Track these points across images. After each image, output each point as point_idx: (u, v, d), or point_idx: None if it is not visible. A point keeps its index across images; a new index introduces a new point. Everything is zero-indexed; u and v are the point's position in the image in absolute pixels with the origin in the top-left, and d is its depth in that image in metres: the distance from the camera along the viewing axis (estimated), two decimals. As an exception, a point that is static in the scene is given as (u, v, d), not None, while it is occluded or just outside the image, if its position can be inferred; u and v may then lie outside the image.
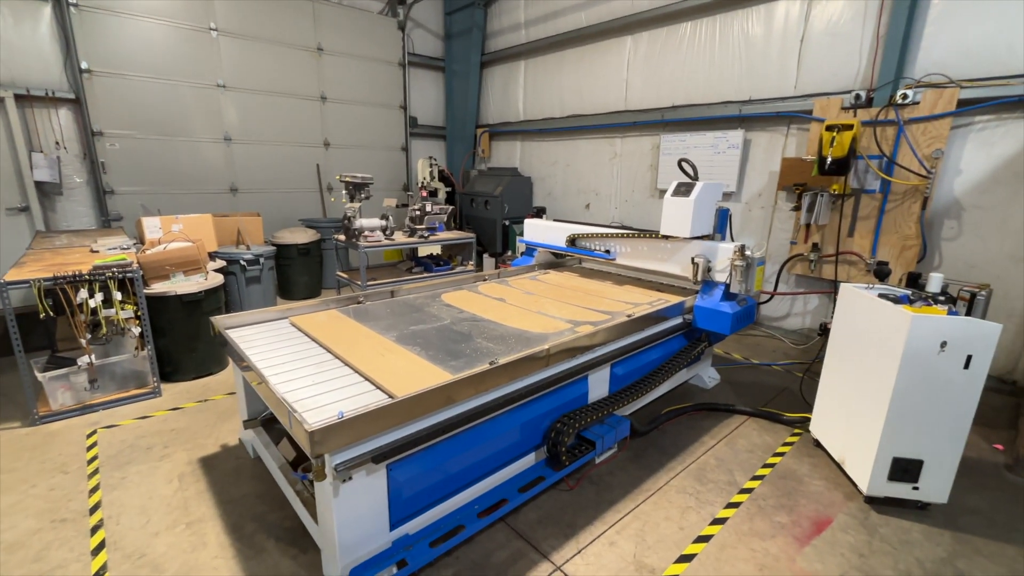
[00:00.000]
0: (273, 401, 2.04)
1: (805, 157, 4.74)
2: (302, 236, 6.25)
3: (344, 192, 4.80)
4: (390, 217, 5.09)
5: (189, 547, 2.31)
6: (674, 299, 3.54)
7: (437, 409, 2.07)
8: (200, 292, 3.89)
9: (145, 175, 6.15)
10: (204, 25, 6.26)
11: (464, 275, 4.33)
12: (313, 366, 2.40)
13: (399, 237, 5.20)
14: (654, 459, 3.07)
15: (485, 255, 7.64)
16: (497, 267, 7.44)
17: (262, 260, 5.26)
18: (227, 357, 4.34)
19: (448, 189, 8.17)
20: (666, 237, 3.57)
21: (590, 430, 2.81)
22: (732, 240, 3.61)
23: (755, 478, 2.92)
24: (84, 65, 5.54)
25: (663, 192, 3.80)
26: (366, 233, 4.85)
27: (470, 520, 2.27)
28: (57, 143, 5.64)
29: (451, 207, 5.89)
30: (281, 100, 7.06)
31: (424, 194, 5.58)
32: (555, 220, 4.75)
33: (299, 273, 6.32)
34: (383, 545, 2.05)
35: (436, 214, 5.51)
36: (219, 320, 2.82)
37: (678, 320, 3.47)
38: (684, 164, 3.70)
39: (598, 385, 2.98)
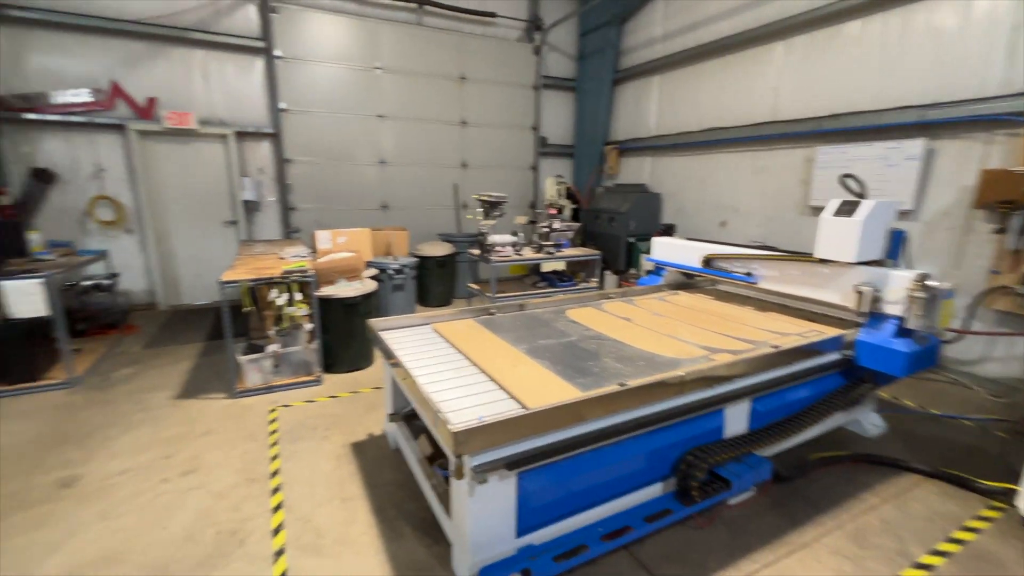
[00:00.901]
0: (419, 399, 2.26)
1: (1015, 168, 3.89)
2: (439, 249, 6.81)
3: (479, 210, 5.15)
4: (520, 233, 5.32)
5: (343, 521, 2.64)
6: (830, 331, 3.14)
7: (567, 425, 2.11)
8: (358, 297, 4.46)
9: (318, 194, 7.27)
10: (371, 65, 7.23)
11: (588, 292, 4.34)
12: (453, 370, 2.60)
13: (527, 253, 5.40)
14: (799, 510, 2.74)
15: (607, 272, 7.55)
16: (620, 285, 7.30)
17: (406, 270, 5.86)
18: (377, 355, 4.90)
19: (574, 206, 8.27)
20: (824, 261, 3.19)
21: (725, 467, 2.61)
22: (909, 266, 3.10)
23: (936, 553, 2.44)
24: (283, 105, 6.76)
25: (816, 209, 3.41)
26: (498, 248, 5.13)
27: (593, 541, 2.25)
28: (259, 169, 6.94)
29: (578, 224, 5.96)
30: (427, 126, 7.83)
31: (552, 211, 5.73)
32: (688, 239, 4.53)
33: (435, 283, 6.89)
34: (509, 551, 2.13)
35: (563, 231, 5.61)
36: (374, 323, 3.21)
37: (835, 356, 3.06)
38: (849, 180, 3.28)
39: (736, 420, 2.75)
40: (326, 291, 4.40)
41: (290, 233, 7.20)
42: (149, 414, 3.80)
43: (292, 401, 4.05)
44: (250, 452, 3.29)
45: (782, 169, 6.10)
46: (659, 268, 4.64)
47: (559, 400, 2.07)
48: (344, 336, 4.54)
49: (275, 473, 3.05)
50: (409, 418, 3.22)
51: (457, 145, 8.14)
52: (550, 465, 2.15)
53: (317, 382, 4.35)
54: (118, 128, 6.12)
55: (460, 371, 2.59)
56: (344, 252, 4.82)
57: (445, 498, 2.41)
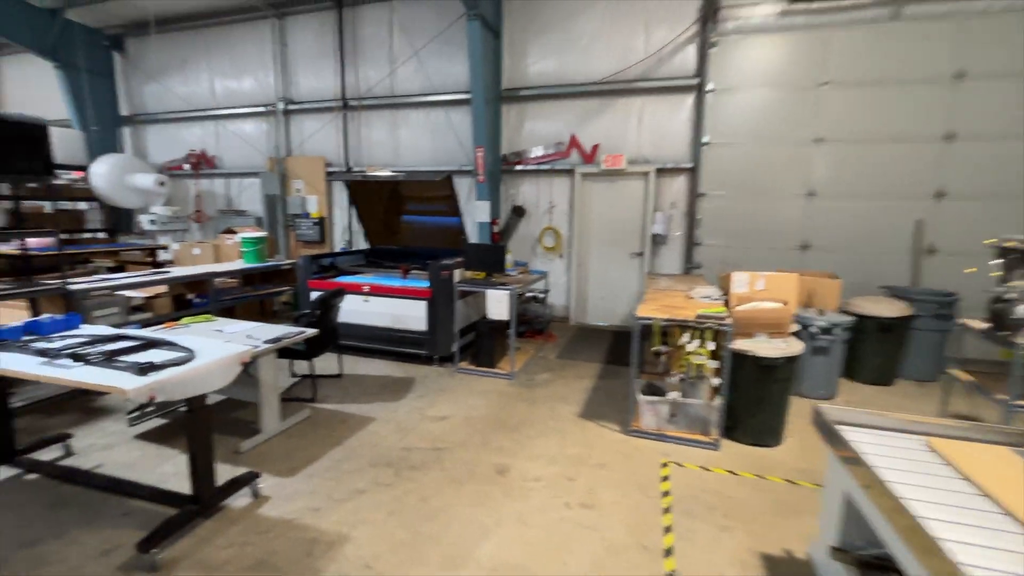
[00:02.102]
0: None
1: None
2: (887, 308, 5.02)
3: (997, 262, 3.33)
4: (1089, 307, 3.13)
5: None
6: None
7: None
8: (780, 358, 3.62)
9: (727, 230, 6.74)
10: (815, 82, 6.14)
11: None
12: (991, 533, 1.46)
13: (1098, 340, 3.12)
14: None
15: None
16: None
17: (836, 331, 4.53)
18: (789, 434, 3.93)
19: None
20: None
21: None
22: None
23: None
24: (706, 139, 6.59)
25: None
26: (1031, 325, 3.17)
27: None
28: (672, 204, 7.02)
29: None
30: (883, 147, 6.02)
31: None
32: None
33: (871, 351, 5.13)
34: None
35: None
36: (829, 412, 2.33)
37: None
38: None
39: None
40: (740, 345, 3.77)
41: (690, 268, 6.97)
42: (558, 424, 4.18)
43: (685, 460, 3.61)
44: (642, 508, 3.02)
45: None
46: None
47: None
48: (753, 401, 3.78)
49: (669, 552, 2.64)
50: (868, 566, 2.18)
51: (929, 168, 5.91)
52: None
53: (714, 446, 3.77)
54: (568, 172, 7.42)
55: (1013, 543, 1.43)
56: (767, 301, 4.06)
57: None
